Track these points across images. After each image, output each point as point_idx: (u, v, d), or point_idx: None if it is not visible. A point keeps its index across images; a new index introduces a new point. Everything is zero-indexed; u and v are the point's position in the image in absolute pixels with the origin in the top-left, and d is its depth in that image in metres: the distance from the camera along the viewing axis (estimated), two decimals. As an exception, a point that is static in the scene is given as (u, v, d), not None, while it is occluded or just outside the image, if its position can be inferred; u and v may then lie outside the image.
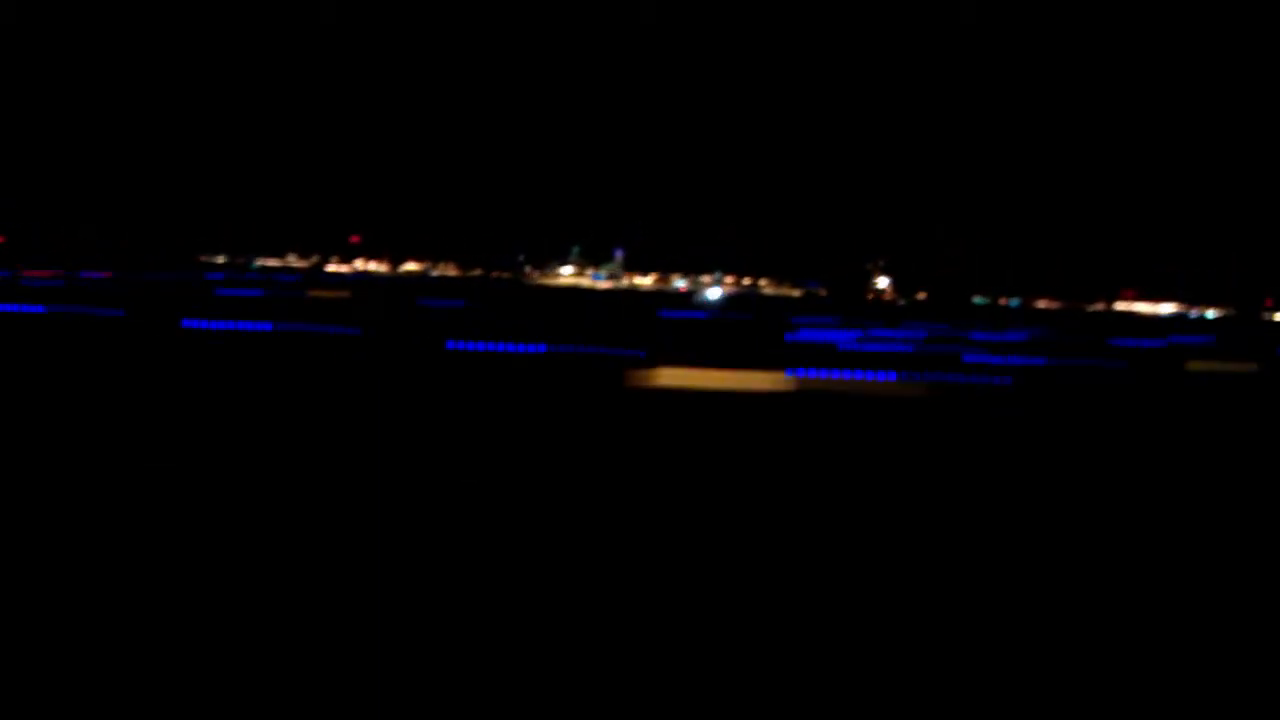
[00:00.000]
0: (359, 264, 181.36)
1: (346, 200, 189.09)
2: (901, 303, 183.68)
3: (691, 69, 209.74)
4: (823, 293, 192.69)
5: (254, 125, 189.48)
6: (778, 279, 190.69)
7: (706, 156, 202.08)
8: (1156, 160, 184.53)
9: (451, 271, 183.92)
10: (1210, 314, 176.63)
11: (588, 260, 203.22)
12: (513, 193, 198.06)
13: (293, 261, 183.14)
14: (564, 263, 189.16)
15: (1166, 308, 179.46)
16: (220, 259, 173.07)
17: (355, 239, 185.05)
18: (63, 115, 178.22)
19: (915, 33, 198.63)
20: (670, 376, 36.27)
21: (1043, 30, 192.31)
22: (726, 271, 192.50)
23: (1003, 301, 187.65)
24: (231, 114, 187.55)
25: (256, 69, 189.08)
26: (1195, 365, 58.04)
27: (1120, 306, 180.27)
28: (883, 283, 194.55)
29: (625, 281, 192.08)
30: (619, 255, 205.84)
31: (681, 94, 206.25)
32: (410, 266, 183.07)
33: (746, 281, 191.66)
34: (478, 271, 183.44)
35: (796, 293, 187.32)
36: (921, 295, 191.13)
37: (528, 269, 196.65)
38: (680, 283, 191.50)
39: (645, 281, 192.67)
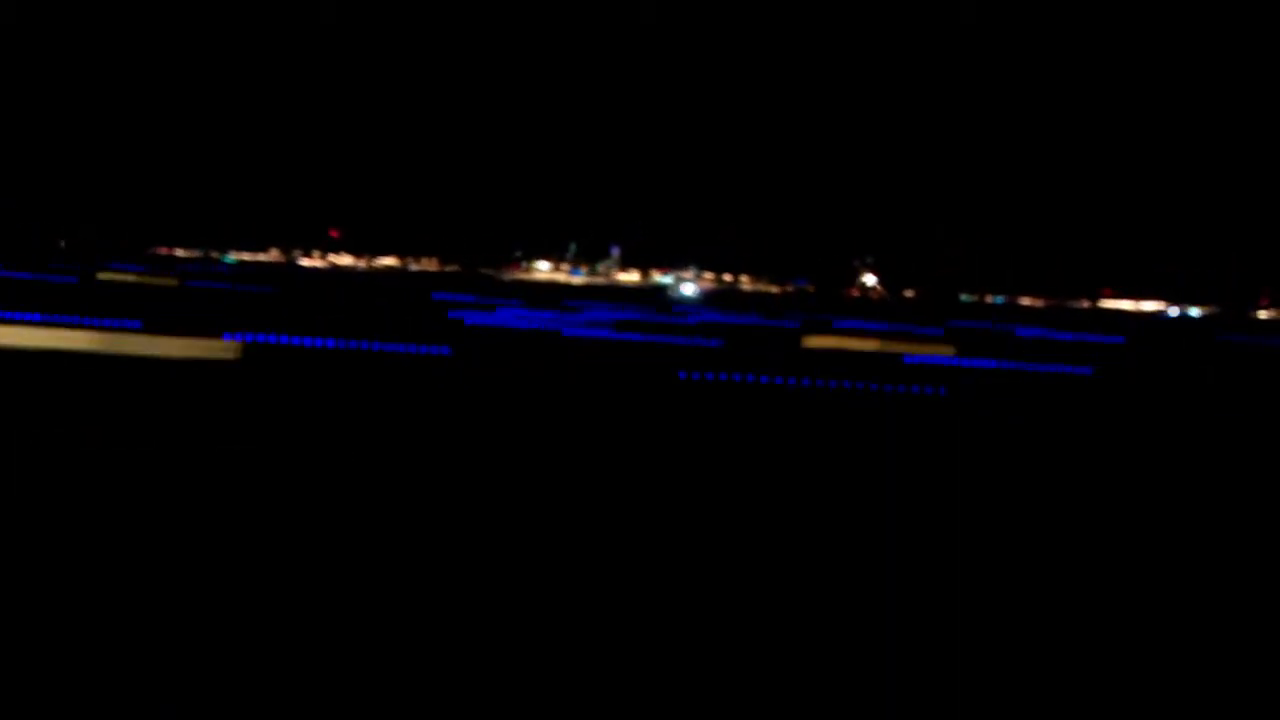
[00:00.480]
0: (333, 258, 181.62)
1: (340, 198, 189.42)
2: (882, 299, 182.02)
3: (690, 67, 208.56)
4: (811, 290, 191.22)
5: (243, 120, 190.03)
6: (766, 276, 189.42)
7: (704, 155, 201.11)
8: (1145, 158, 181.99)
9: (431, 267, 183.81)
10: (1195, 312, 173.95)
11: (585, 258, 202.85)
12: (512, 190, 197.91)
13: (274, 256, 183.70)
14: (541, 258, 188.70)
15: (1150, 305, 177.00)
16: (179, 251, 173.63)
17: (334, 233, 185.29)
18: (36, 105, 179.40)
19: (907, 33, 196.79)
20: (135, 344, 36.23)
21: (1034, 30, 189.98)
22: (709, 268, 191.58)
23: (988, 299, 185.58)
24: (220, 109, 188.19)
25: (243, 61, 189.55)
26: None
27: (1103, 304, 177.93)
28: (870, 280, 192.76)
29: (611, 278, 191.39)
30: (615, 252, 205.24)
31: (680, 93, 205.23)
32: (388, 261, 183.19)
33: (728, 278, 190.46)
34: (454, 267, 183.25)
35: (775, 289, 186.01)
36: (909, 293, 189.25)
37: (524, 264, 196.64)
38: (666, 279, 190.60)
39: (633, 278, 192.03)
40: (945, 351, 55.52)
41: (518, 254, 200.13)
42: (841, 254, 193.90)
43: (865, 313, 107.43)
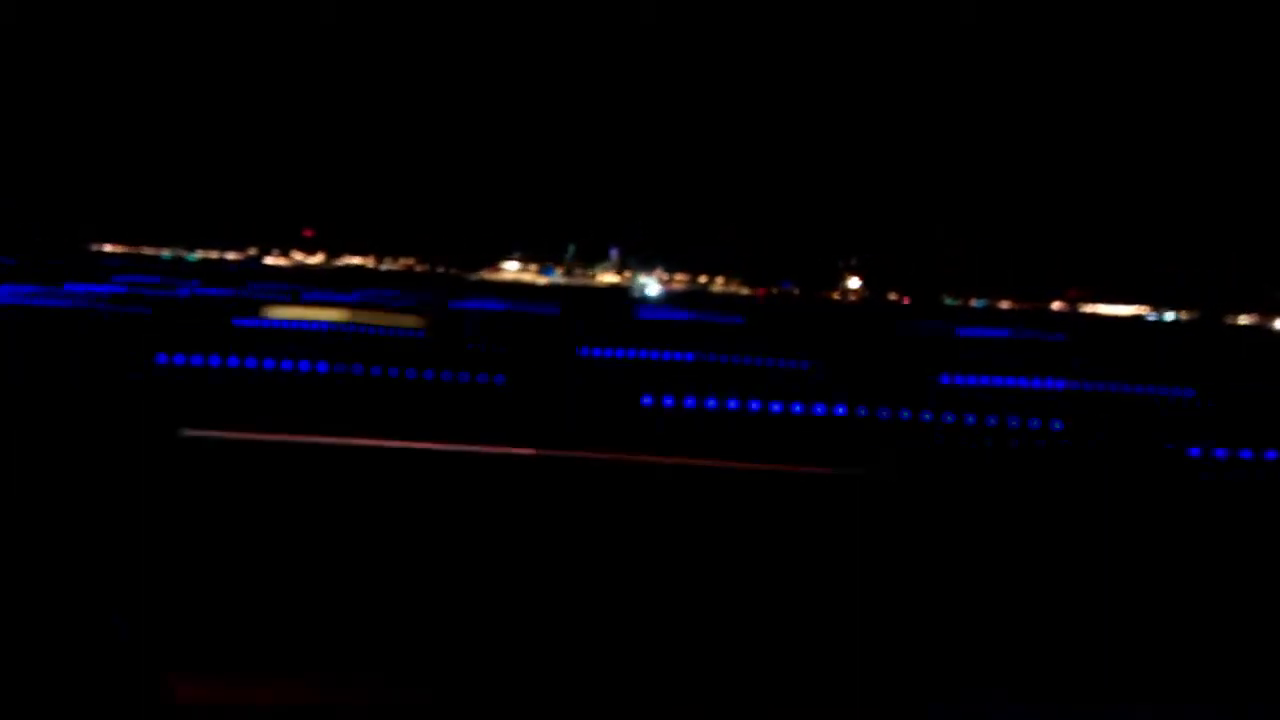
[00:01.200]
0: (298, 256, 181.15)
1: (340, 199, 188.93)
2: (863, 301, 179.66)
3: (689, 66, 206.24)
4: (796, 292, 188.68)
5: (239, 117, 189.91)
6: (739, 278, 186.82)
7: (705, 156, 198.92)
8: (1134, 160, 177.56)
9: (397, 266, 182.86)
10: (1170, 316, 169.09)
11: (584, 259, 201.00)
12: (510, 192, 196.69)
13: (250, 254, 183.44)
14: (510, 258, 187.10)
15: (1127, 309, 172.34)
16: (107, 246, 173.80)
17: (308, 232, 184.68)
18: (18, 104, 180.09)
19: (902, 35, 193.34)
20: None
21: (1024, 31, 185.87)
22: (686, 270, 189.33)
23: (971, 302, 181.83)
24: (202, 106, 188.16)
25: (230, 53, 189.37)
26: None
27: (1077, 309, 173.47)
28: (854, 283, 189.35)
29: (593, 280, 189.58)
30: (614, 254, 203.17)
31: (680, 93, 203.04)
32: (354, 260, 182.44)
33: (703, 279, 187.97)
34: (424, 269, 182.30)
35: (746, 291, 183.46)
36: (893, 295, 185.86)
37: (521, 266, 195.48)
38: (647, 280, 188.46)
39: (615, 279, 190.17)
40: (411, 324, 56.51)
41: (515, 255, 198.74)
42: (829, 256, 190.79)
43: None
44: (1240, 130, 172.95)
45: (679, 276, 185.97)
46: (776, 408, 32.77)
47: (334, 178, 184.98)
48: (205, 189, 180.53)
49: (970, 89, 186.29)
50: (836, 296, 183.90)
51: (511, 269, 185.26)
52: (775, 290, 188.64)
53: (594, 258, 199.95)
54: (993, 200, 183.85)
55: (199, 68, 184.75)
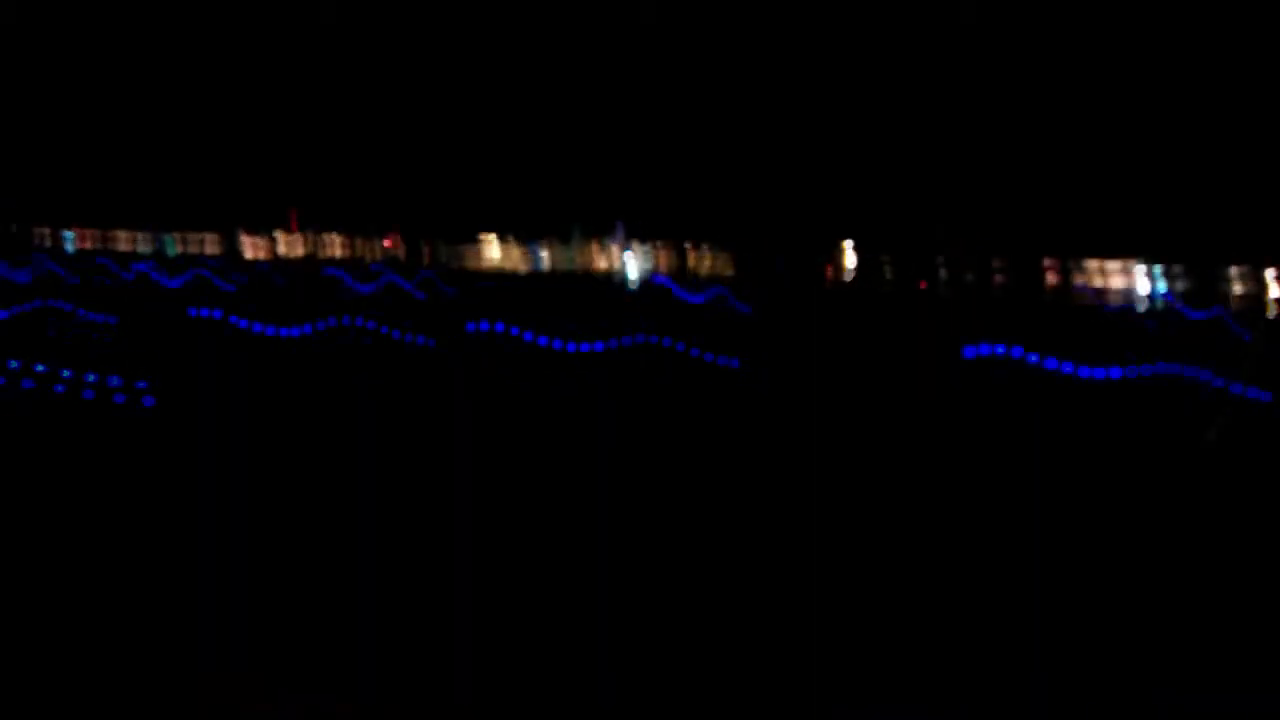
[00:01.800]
0: (282, 241, 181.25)
1: (344, 188, 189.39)
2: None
3: (690, 63, 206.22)
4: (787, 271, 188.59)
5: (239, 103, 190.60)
6: (731, 253, 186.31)
7: (704, 150, 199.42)
8: (1128, 157, 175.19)
9: (374, 251, 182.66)
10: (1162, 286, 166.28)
11: (588, 239, 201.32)
12: (505, 173, 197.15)
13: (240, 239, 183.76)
14: (492, 238, 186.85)
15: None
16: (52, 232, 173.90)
17: (294, 222, 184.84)
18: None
19: (901, 35, 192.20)
20: None
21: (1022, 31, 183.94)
22: (676, 249, 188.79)
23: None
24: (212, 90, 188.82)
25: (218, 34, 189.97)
26: None
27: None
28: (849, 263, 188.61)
29: (583, 261, 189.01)
30: (620, 232, 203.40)
31: (681, 85, 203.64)
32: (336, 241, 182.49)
33: (692, 260, 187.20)
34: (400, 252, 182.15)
35: (730, 270, 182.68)
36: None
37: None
38: (632, 260, 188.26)
39: (604, 261, 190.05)
40: None
41: (509, 236, 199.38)
42: (827, 237, 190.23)
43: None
44: (1239, 132, 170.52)
45: (664, 256, 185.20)
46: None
47: (320, 162, 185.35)
48: (181, 168, 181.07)
49: (967, 89, 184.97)
50: (830, 274, 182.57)
51: (494, 251, 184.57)
52: (769, 268, 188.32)
53: (599, 236, 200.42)
54: (990, 200, 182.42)
55: (182, 57, 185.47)
